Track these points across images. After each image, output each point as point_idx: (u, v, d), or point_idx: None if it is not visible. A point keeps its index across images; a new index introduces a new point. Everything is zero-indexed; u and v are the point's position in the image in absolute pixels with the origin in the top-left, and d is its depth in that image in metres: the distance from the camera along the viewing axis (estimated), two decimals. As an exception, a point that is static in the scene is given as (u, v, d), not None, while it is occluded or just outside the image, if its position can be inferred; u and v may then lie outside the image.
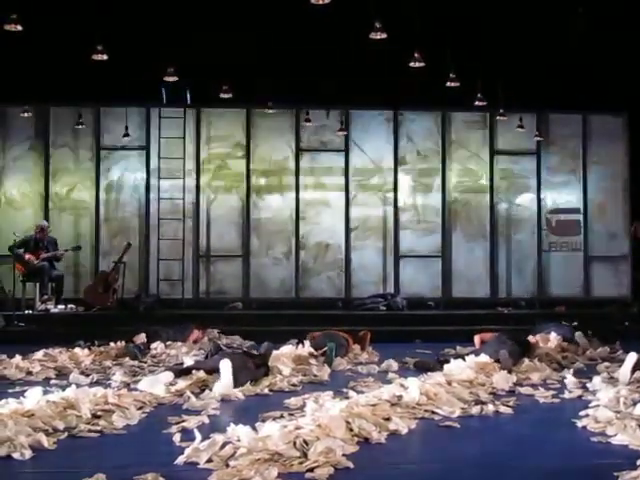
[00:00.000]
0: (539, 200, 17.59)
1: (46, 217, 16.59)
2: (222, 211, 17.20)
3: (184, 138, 16.87)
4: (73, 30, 13.14)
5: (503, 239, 17.48)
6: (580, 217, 17.53)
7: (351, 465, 5.50)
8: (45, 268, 14.81)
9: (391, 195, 17.38)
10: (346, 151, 17.36)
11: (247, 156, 17.26)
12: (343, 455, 5.65)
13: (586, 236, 17.45)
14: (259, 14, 13.17)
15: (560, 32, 13.75)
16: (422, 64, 12.70)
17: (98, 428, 6.60)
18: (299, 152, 17.31)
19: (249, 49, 14.39)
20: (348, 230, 17.22)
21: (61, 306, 14.73)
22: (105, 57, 12.55)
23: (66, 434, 6.37)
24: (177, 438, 6.15)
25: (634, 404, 7.29)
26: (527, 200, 17.67)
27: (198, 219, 17.08)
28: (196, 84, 15.95)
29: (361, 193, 17.41)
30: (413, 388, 7.65)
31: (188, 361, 9.35)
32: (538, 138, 17.40)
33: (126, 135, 16.80)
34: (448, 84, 13.96)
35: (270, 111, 16.46)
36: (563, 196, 17.66)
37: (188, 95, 16.69)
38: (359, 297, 16.50)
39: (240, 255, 17.10)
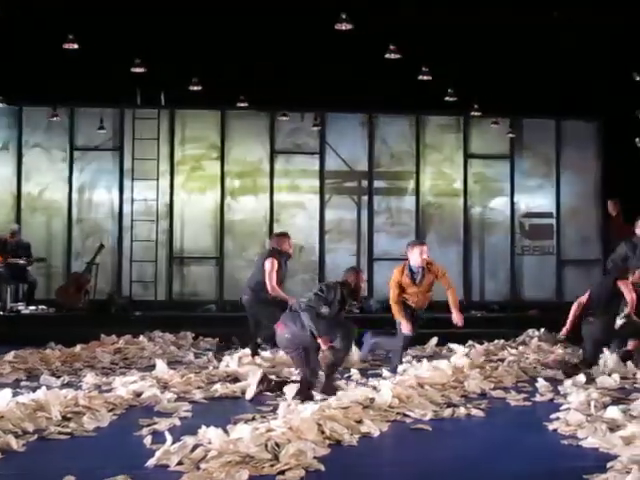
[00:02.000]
0: (512, 204, 17.68)
1: (18, 217, 16.51)
2: (196, 213, 17.17)
3: (158, 139, 16.82)
4: (47, 29, 13.04)
5: (476, 242, 17.56)
6: (553, 221, 17.63)
7: (322, 468, 5.49)
8: (2, 274, 14.50)
9: (365, 198, 17.41)
10: (321, 154, 17.37)
11: (221, 158, 17.23)
12: (314, 458, 5.64)
13: (559, 240, 17.55)
14: (234, 15, 13.13)
15: (535, 37, 13.81)
16: (398, 56, 12.73)
17: (68, 430, 6.55)
18: (274, 154, 17.30)
19: (225, 51, 14.37)
20: (322, 233, 17.23)
21: (32, 307, 14.62)
22: (76, 46, 12.48)
23: (36, 436, 6.33)
24: (148, 440, 6.12)
25: (605, 407, 7.33)
26: (500, 204, 17.75)
27: (172, 221, 17.04)
28: (171, 85, 15.90)
29: (335, 196, 17.44)
30: (385, 390, 7.66)
31: (160, 364, 9.29)
32: (511, 135, 17.50)
33: (101, 128, 16.74)
34: (420, 77, 14.01)
35: (243, 105, 16.34)
36: (536, 200, 17.76)
37: (162, 97, 16.63)
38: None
39: (214, 257, 17.07)
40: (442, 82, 15.19)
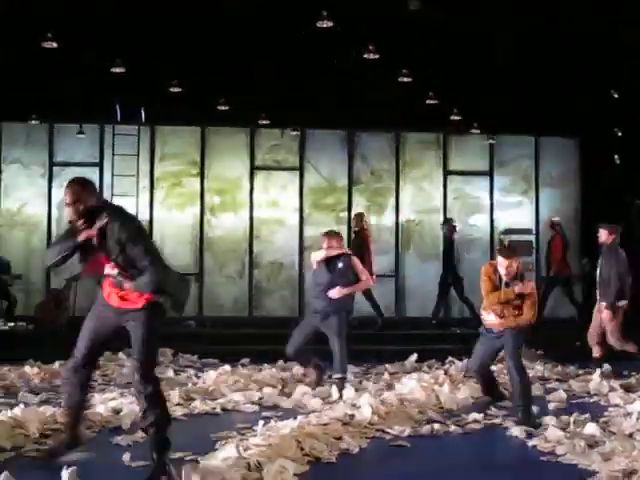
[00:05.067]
0: (492, 221, 17.75)
1: (-4, 233, 16.47)
2: (176, 229, 17.13)
3: (138, 155, 16.79)
4: (26, 38, 12.95)
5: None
6: (532, 238, 17.69)
7: (302, 485, 5.49)
8: None
9: (345, 214, 17.43)
10: (300, 170, 17.39)
11: (201, 174, 17.22)
12: (294, 475, 5.63)
13: (538, 256, 17.60)
14: (215, 34, 13.13)
15: (515, 54, 13.89)
16: (377, 56, 12.75)
17: (46, 448, 6.51)
18: (253, 170, 17.31)
19: (205, 67, 14.38)
20: (302, 249, 17.22)
21: (11, 323, 14.53)
22: (55, 45, 12.40)
23: (14, 454, 6.29)
24: (127, 458, 6.09)
25: (583, 424, 7.36)
26: (480, 220, 17.81)
27: (151, 236, 16.95)
28: (151, 102, 15.89)
29: (315, 212, 17.44)
30: (365, 407, 7.66)
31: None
32: (491, 141, 17.59)
33: (80, 132, 16.71)
34: (401, 79, 14.01)
35: (224, 108, 16.15)
36: (515, 217, 17.82)
37: (143, 113, 16.63)
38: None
39: (193, 273, 17.01)
40: (423, 99, 15.26)
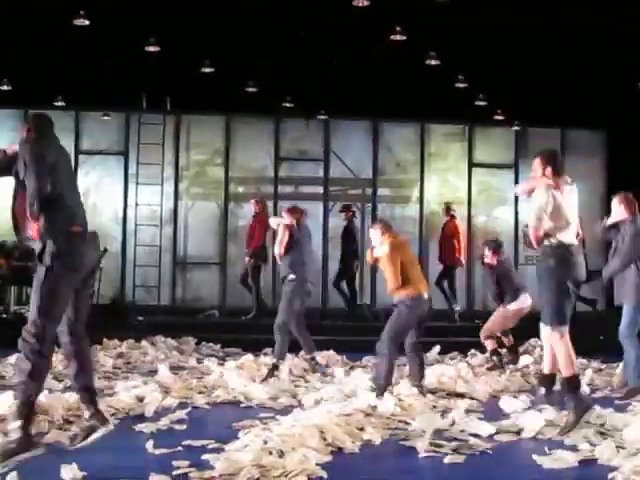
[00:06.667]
0: (516, 213, 17.67)
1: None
2: (200, 218, 17.19)
3: (163, 144, 16.84)
4: (53, 26, 13.01)
5: (480, 252, 17.48)
6: (556, 231, 17.58)
7: (325, 475, 5.48)
8: (7, 278, 14.43)
9: (369, 205, 17.41)
10: (325, 161, 17.38)
11: (226, 163, 17.26)
12: (317, 464, 5.63)
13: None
14: (241, 19, 13.15)
15: (542, 46, 13.83)
16: (404, 37, 12.69)
17: (70, 434, 6.53)
18: (278, 161, 17.32)
19: (230, 57, 14.40)
20: (326, 240, 17.22)
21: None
22: (87, 22, 12.41)
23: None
24: (150, 445, 6.11)
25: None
26: (504, 213, 17.74)
27: (176, 226, 17.05)
28: (176, 90, 15.94)
29: (339, 203, 17.41)
30: (388, 399, 7.65)
31: (163, 369, 9.30)
32: (516, 128, 17.50)
33: (106, 115, 16.79)
34: (428, 62, 13.91)
35: (252, 89, 16.10)
36: (540, 210, 17.71)
37: (168, 102, 16.68)
38: (336, 307, 16.47)
39: (217, 262, 17.07)
40: (448, 90, 15.21)
